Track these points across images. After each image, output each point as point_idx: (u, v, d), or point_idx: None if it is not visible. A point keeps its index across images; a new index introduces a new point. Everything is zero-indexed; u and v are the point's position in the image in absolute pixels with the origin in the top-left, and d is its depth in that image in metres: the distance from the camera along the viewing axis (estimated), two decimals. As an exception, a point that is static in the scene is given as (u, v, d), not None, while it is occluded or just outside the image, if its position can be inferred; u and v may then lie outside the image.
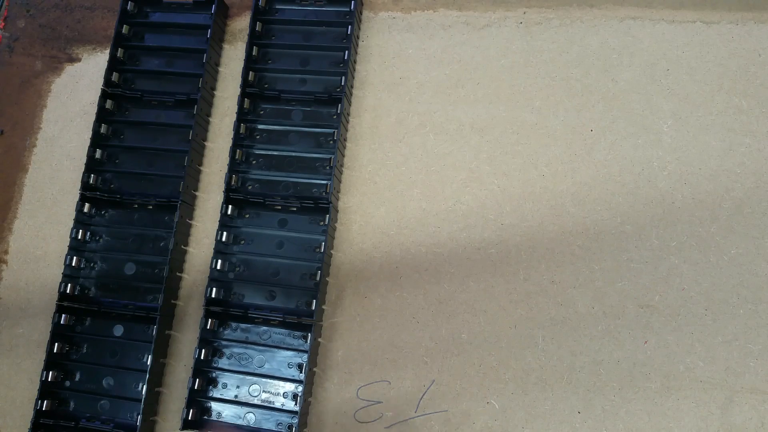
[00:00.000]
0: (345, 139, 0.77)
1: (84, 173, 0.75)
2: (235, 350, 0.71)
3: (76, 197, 0.75)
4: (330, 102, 0.75)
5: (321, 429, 0.68)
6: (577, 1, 0.78)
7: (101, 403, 0.71)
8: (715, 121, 0.72)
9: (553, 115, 0.74)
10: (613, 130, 0.73)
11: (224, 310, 0.70)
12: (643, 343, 0.67)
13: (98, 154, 0.77)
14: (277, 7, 0.80)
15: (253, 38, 0.78)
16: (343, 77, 0.75)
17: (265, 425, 0.68)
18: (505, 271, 0.70)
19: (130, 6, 0.80)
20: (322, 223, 0.72)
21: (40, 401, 0.69)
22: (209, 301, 0.70)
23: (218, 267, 0.71)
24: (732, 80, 0.73)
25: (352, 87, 0.78)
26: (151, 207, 0.75)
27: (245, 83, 0.76)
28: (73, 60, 0.85)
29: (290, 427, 0.67)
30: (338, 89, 0.75)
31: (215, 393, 0.69)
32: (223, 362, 0.70)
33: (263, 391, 0.69)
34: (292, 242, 0.73)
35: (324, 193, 0.73)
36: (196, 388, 0.68)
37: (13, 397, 0.74)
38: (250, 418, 0.68)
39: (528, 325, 0.68)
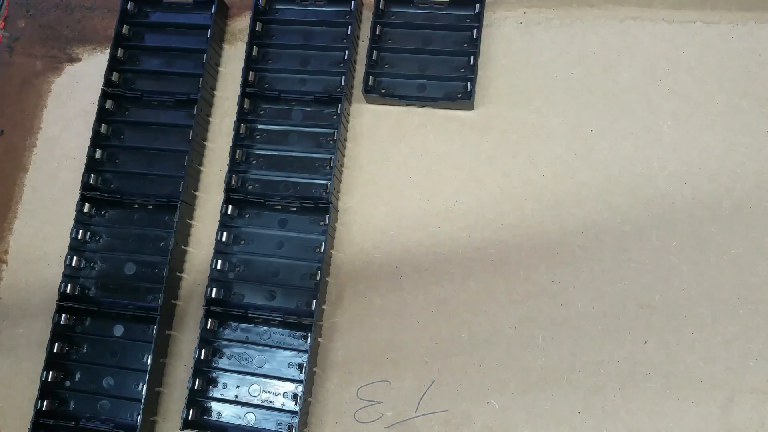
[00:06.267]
0: (345, 139, 0.77)
1: (84, 173, 0.75)
2: (235, 350, 0.71)
3: (76, 197, 0.75)
4: (330, 102, 0.75)
5: (321, 429, 0.68)
6: (577, 1, 0.78)
7: (101, 403, 0.71)
8: (715, 121, 0.72)
9: (553, 115, 0.74)
10: (613, 130, 0.73)
11: (224, 310, 0.70)
12: (643, 343, 0.67)
13: (98, 154, 0.77)
14: (277, 7, 0.80)
15: (253, 38, 0.78)
16: (343, 77, 0.75)
17: (265, 425, 0.68)
18: (505, 271, 0.70)
19: (130, 6, 0.80)
20: (322, 223, 0.72)
21: (40, 401, 0.69)
22: (209, 301, 0.70)
23: (218, 267, 0.71)
24: (732, 80, 0.73)
25: (352, 87, 0.78)
26: (151, 207, 0.75)
27: (245, 83, 0.76)
28: (73, 60, 0.85)
29: (290, 427, 0.67)
30: (338, 89, 0.75)
31: (215, 393, 0.69)
32: (223, 362, 0.70)
33: (263, 391, 0.69)
34: (292, 242, 0.73)
35: (324, 193, 0.73)
36: (196, 388, 0.68)
37: (13, 397, 0.74)
38: (250, 418, 0.68)
39: (528, 325, 0.68)
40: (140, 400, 0.68)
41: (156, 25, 0.82)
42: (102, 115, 0.77)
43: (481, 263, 0.71)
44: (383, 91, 0.76)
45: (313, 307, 0.68)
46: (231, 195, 0.73)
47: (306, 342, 0.69)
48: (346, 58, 0.76)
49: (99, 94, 0.77)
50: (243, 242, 0.74)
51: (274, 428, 0.68)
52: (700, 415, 0.64)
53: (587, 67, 0.75)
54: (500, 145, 0.74)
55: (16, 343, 0.76)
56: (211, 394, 0.69)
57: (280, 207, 0.73)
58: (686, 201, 0.70)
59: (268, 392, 0.69)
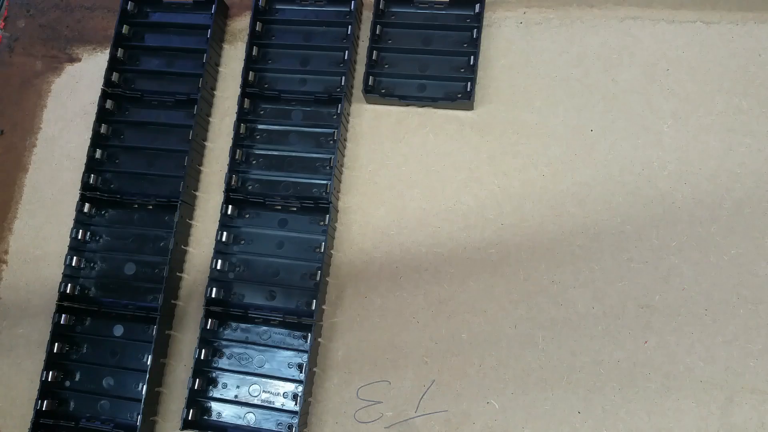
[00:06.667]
0: (345, 139, 0.77)
1: (84, 173, 0.75)
2: (235, 350, 0.71)
3: (76, 197, 0.75)
4: (330, 102, 0.75)
5: (321, 429, 0.68)
6: (577, 1, 0.78)
7: (101, 403, 0.71)
8: (715, 121, 0.72)
9: (553, 115, 0.74)
10: (613, 130, 0.73)
11: (224, 310, 0.70)
12: (643, 343, 0.67)
13: (98, 154, 0.77)
14: (277, 7, 0.80)
15: (253, 38, 0.78)
16: (343, 77, 0.75)
17: (265, 425, 0.68)
18: (505, 271, 0.70)
19: (130, 6, 0.80)
20: (322, 223, 0.72)
21: (40, 401, 0.69)
22: (209, 301, 0.70)
23: (218, 267, 0.71)
24: (732, 80, 0.73)
25: (352, 87, 0.78)
26: (151, 207, 0.75)
27: (245, 83, 0.76)
28: (73, 60, 0.85)
29: (290, 427, 0.67)
30: (338, 89, 0.75)
31: (215, 393, 0.69)
32: (223, 362, 0.70)
33: (263, 391, 0.69)
34: (292, 242, 0.73)
35: (324, 193, 0.73)
36: (196, 388, 0.68)
37: (13, 397, 0.74)
38: (250, 418, 0.68)
39: (528, 325, 0.68)
40: (140, 400, 0.68)
41: (156, 25, 0.82)
42: (102, 115, 0.77)
43: (481, 263, 0.71)
44: (383, 91, 0.76)
45: (313, 307, 0.68)
46: (231, 195, 0.73)
47: (306, 342, 0.69)
48: (346, 58, 0.76)
49: (99, 94, 0.77)
50: (243, 242, 0.74)
51: (274, 428, 0.68)
52: (700, 415, 0.64)
53: (587, 67, 0.75)
54: (500, 145, 0.74)
55: (16, 343, 0.76)
56: (211, 394, 0.69)
57: (280, 207, 0.73)
58: (686, 201, 0.70)
59: (268, 392, 0.69)
